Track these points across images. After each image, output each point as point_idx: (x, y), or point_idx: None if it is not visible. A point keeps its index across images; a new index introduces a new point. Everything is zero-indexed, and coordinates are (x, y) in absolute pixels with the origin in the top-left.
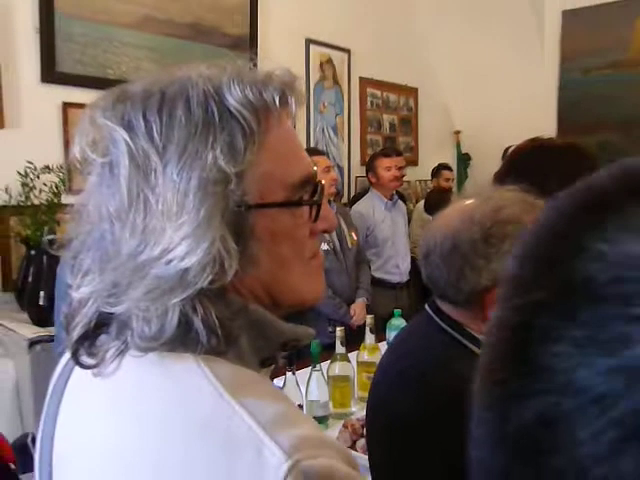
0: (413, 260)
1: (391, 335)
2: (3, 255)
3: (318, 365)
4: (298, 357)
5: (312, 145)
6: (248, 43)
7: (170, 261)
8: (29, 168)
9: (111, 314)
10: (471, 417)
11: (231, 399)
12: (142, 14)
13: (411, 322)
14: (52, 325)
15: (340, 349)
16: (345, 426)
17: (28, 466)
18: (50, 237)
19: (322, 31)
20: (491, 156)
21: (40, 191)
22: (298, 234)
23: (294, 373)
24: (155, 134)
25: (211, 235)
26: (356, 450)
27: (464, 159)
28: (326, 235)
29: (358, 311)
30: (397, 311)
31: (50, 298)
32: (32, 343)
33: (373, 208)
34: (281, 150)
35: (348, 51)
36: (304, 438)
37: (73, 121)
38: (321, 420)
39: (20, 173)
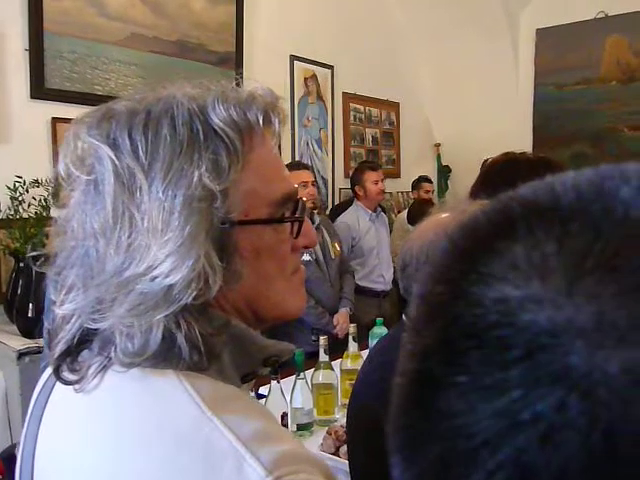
0: (395, 270)
1: (373, 343)
2: None
3: (302, 373)
4: (282, 366)
5: (297, 158)
6: (234, 60)
7: (155, 277)
8: (18, 182)
9: (95, 330)
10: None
11: (212, 415)
12: (129, 32)
13: (390, 331)
14: (41, 337)
15: (324, 357)
16: (329, 433)
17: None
18: (34, 253)
19: (306, 48)
20: (470, 168)
21: (29, 205)
22: (281, 250)
23: (279, 381)
24: (141, 152)
25: (196, 252)
26: (339, 456)
27: (444, 171)
28: None
29: (341, 321)
30: (379, 320)
31: (38, 310)
32: (21, 354)
33: (358, 219)
34: (264, 168)
35: (331, 67)
36: (284, 454)
37: (62, 136)
38: (305, 427)
39: (9, 187)
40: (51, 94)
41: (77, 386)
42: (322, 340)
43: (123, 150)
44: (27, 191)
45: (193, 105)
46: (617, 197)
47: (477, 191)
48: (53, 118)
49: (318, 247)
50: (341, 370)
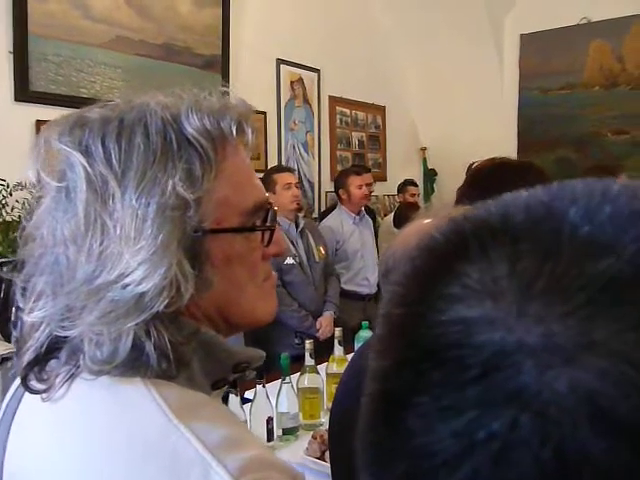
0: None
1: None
2: None
3: (288, 377)
4: (268, 370)
5: (284, 161)
6: (220, 63)
7: (127, 285)
8: (2, 185)
9: (64, 338)
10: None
11: (179, 423)
12: (115, 34)
13: (370, 338)
14: None
15: (309, 361)
16: (314, 437)
17: None
18: (3, 260)
19: (292, 51)
20: (456, 171)
21: (12, 208)
22: (252, 258)
23: (264, 386)
24: (114, 160)
25: (168, 260)
26: (325, 460)
27: (430, 174)
28: (292, 249)
29: (324, 324)
30: (365, 323)
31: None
32: (3, 359)
33: (342, 223)
34: (236, 178)
35: (318, 71)
36: (251, 460)
37: None
38: (291, 431)
39: None
40: (35, 97)
41: (45, 395)
42: (308, 344)
43: (96, 157)
44: (10, 194)
45: (166, 114)
46: (565, 218)
47: (464, 194)
48: (37, 121)
49: (302, 250)
50: (327, 374)
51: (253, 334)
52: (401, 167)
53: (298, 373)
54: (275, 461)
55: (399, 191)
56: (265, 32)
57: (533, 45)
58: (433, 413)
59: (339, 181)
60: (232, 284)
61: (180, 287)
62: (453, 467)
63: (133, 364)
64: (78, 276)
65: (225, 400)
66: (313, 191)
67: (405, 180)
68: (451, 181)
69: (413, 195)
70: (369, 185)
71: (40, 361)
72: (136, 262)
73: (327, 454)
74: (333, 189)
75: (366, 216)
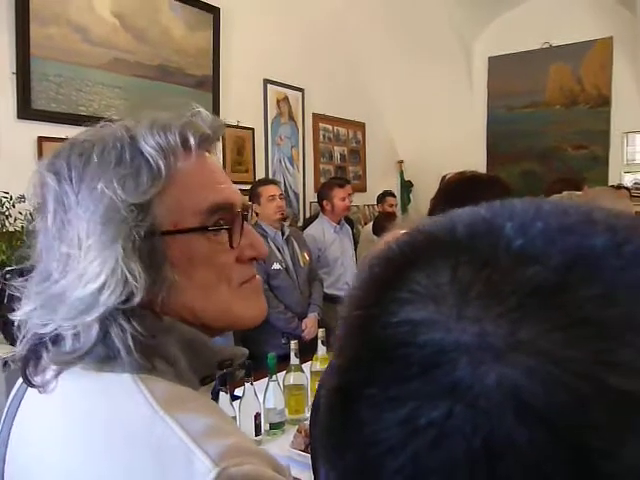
0: None
1: None
2: None
3: (275, 376)
4: (256, 369)
5: (270, 174)
6: (211, 83)
7: (86, 283)
8: (5, 197)
9: (44, 334)
10: None
11: (164, 414)
12: (112, 56)
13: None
14: None
15: (295, 360)
16: (299, 431)
17: None
18: (7, 269)
19: (278, 72)
20: (430, 183)
21: (15, 219)
22: (219, 260)
23: (252, 383)
24: (74, 175)
25: (114, 256)
26: (309, 453)
27: (407, 186)
28: (279, 255)
29: (309, 325)
30: None
31: None
32: (6, 362)
33: (323, 231)
34: (189, 182)
35: (302, 90)
36: (231, 447)
37: (47, 154)
38: (277, 426)
39: None
40: (37, 114)
41: (41, 388)
42: (293, 344)
43: (62, 176)
44: (13, 206)
45: (125, 134)
46: (502, 232)
47: (436, 206)
48: (39, 137)
49: (288, 256)
50: (311, 372)
51: (242, 334)
52: (380, 179)
53: (284, 371)
54: (255, 449)
55: (378, 201)
56: (253, 54)
57: (500, 67)
58: (381, 404)
59: (323, 192)
60: (198, 286)
61: (129, 282)
62: (397, 452)
63: (104, 357)
64: (52, 278)
65: (216, 397)
66: (298, 201)
67: (384, 191)
68: (426, 191)
69: (391, 205)
70: (349, 196)
71: (31, 357)
72: (88, 261)
73: None
74: (316, 200)
75: (345, 225)
